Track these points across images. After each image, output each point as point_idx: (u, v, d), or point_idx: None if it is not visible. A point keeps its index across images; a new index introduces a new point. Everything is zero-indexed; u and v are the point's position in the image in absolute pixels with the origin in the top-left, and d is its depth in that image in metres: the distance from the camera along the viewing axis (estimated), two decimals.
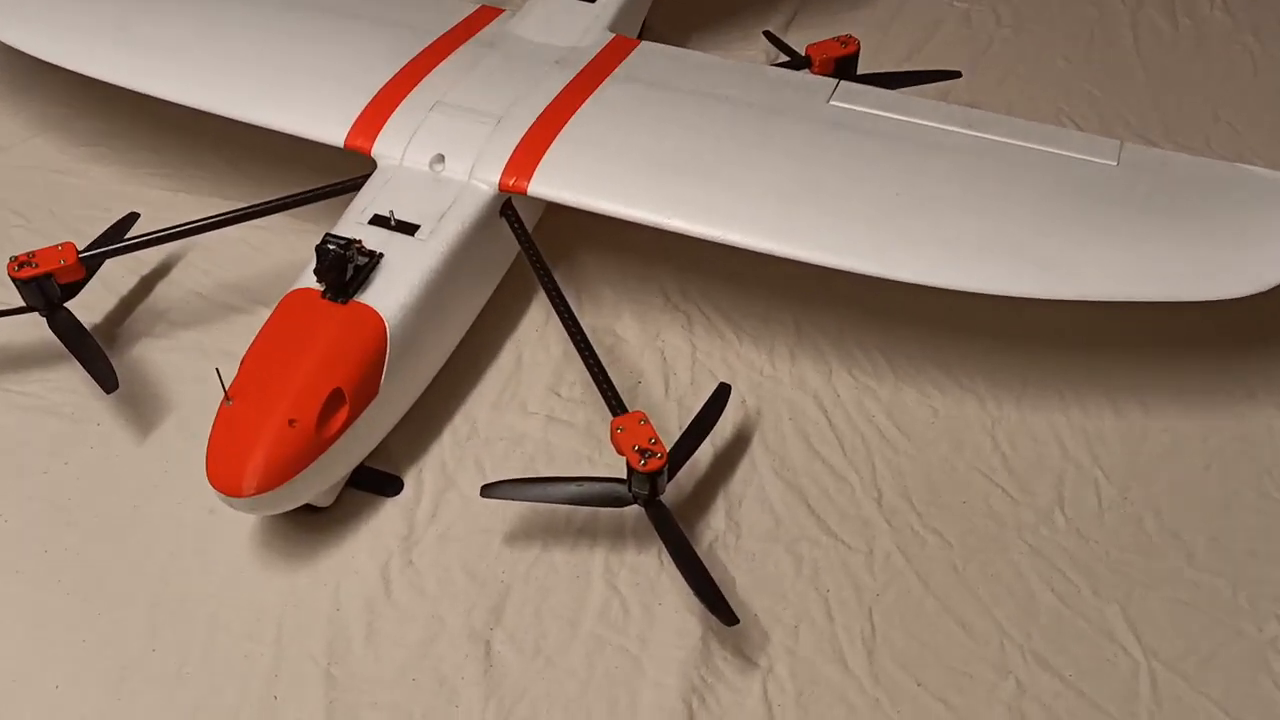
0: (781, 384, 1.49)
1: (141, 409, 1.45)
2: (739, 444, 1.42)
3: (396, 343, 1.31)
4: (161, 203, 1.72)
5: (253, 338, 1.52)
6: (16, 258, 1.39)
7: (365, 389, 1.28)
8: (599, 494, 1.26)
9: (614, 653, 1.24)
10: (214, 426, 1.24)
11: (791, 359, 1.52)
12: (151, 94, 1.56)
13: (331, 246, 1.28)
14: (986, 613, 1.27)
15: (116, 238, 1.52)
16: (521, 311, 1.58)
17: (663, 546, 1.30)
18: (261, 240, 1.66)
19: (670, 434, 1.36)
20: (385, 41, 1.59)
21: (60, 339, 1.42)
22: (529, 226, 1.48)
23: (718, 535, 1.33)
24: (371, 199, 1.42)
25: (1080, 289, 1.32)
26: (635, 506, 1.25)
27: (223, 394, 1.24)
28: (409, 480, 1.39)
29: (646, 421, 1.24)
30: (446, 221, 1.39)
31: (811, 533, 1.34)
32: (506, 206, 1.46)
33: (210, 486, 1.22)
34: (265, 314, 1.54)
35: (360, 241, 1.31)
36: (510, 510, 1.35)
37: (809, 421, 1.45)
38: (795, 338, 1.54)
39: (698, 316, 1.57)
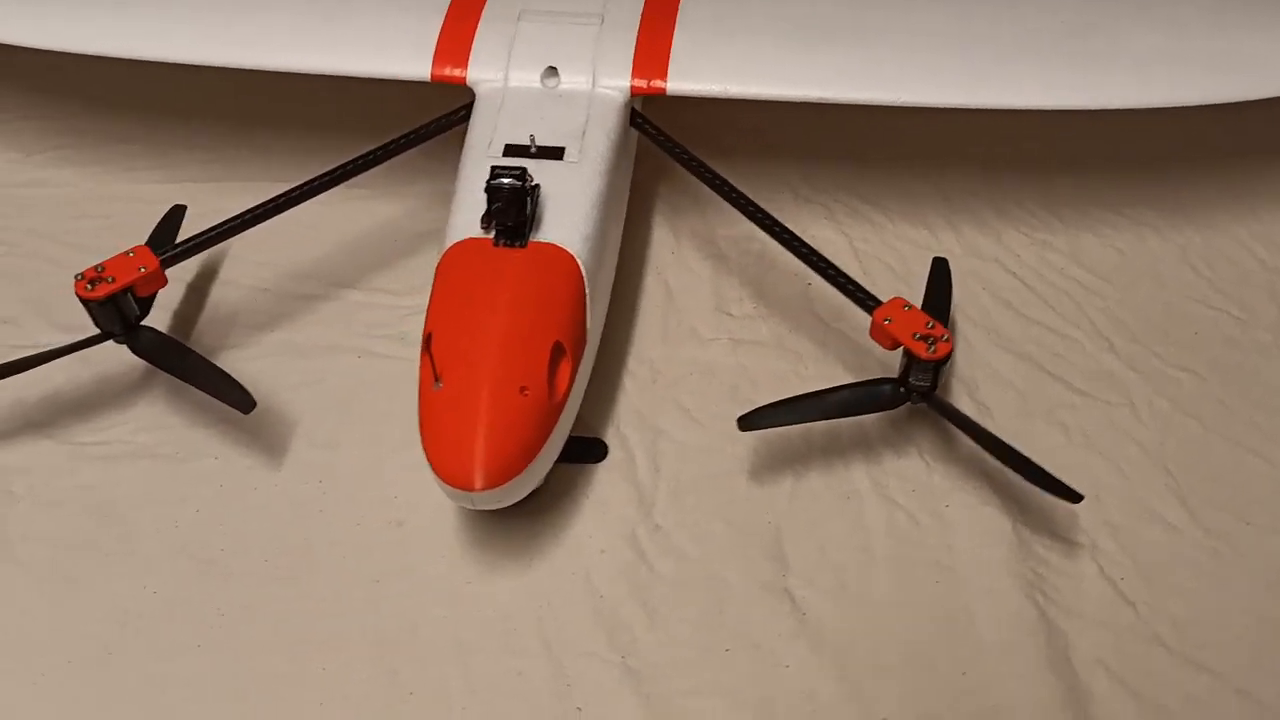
0: (955, 256, 1.36)
1: (258, 430, 1.20)
2: None
3: (590, 281, 1.12)
4: (162, 198, 1.43)
5: (349, 325, 1.32)
6: (84, 275, 1.11)
7: (579, 337, 1.09)
8: (868, 398, 1.11)
9: (926, 570, 1.10)
10: (427, 419, 1.02)
11: (953, 229, 1.40)
12: (164, 60, 1.28)
13: (507, 181, 1.08)
14: (1274, 438, 1.19)
15: (165, 235, 1.26)
16: (644, 235, 1.40)
17: (922, 446, 1.19)
18: (312, 217, 1.40)
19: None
20: None
21: (155, 364, 1.16)
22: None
23: None
24: (491, 129, 1.21)
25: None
26: (896, 407, 1.12)
27: (433, 378, 1.02)
28: (610, 440, 1.20)
29: (912, 306, 1.10)
30: (590, 139, 1.20)
31: (1064, 398, 1.23)
32: (634, 113, 1.28)
33: (446, 488, 1.01)
34: (353, 296, 1.35)
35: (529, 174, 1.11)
36: (738, 445, 1.19)
37: (1003, 288, 1.33)
38: (946, 206, 1.42)
39: (835, 206, 1.43)
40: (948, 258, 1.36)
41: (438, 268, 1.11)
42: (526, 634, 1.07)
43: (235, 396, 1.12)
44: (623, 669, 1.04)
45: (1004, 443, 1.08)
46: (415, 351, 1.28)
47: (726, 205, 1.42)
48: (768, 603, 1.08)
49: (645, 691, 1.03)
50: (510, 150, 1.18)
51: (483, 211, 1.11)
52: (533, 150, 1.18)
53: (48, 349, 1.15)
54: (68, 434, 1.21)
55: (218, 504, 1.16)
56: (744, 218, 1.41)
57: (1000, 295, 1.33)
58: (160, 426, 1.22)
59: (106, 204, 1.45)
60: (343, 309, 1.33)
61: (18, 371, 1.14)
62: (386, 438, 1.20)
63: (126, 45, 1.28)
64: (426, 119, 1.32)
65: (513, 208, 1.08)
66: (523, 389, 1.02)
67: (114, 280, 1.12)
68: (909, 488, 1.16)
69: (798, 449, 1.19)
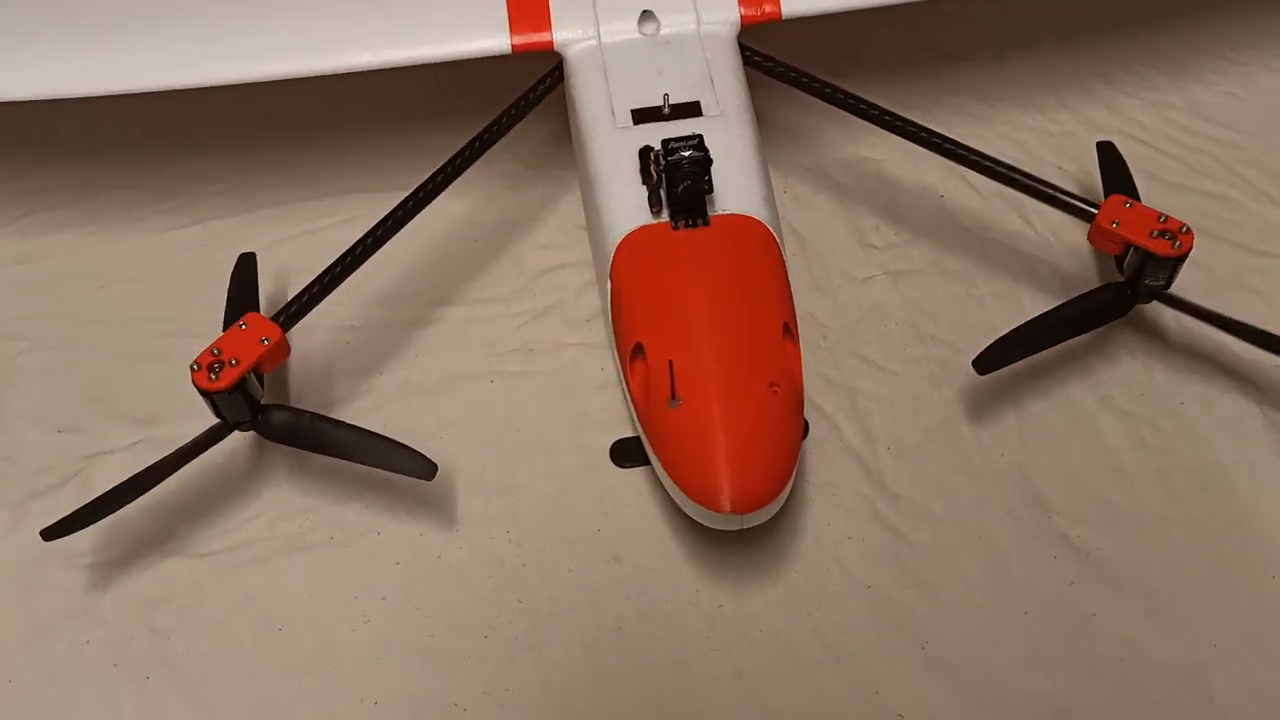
0: (1078, 135, 1.28)
1: (415, 491, 1.04)
2: None
3: (783, 246, 0.99)
4: (187, 245, 1.24)
5: (465, 348, 1.16)
6: (199, 363, 0.93)
7: (793, 313, 0.97)
8: (1098, 309, 1.02)
9: (1189, 476, 1.03)
10: (672, 443, 0.89)
11: (1065, 107, 1.31)
12: (203, 85, 1.07)
13: (688, 154, 0.93)
14: None
15: (250, 292, 1.07)
16: None
17: (1131, 347, 1.12)
18: (359, 230, 1.22)
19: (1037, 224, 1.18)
20: None
21: (295, 445, 0.99)
22: None
23: None
24: (604, 96, 1.05)
25: None
26: (1127, 312, 1.03)
27: (669, 395, 0.88)
28: (805, 413, 1.09)
29: (1133, 202, 1.00)
30: (722, 85, 1.05)
31: (1249, 262, 1.17)
32: (742, 47, 1.14)
33: (709, 515, 0.88)
34: (456, 314, 1.19)
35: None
36: (944, 389, 1.09)
37: (1140, 159, 1.23)
38: (1049, 84, 1.33)
39: (936, 108, 1.31)
40: (1066, 136, 1.29)
41: (613, 269, 0.97)
42: (809, 647, 0.96)
43: (411, 464, 0.96)
44: (927, 660, 0.95)
45: (1255, 327, 1.01)
46: (548, 363, 1.15)
47: (824, 132, 1.31)
48: (1046, 550, 1.00)
49: (961, 679, 0.94)
50: (640, 116, 1.03)
51: (646, 194, 0.98)
52: (666, 111, 1.04)
53: (166, 458, 0.97)
54: (194, 545, 1.03)
55: (405, 585, 1.01)
56: (847, 141, 1.31)
57: (1141, 168, 1.23)
58: (299, 512, 1.05)
59: (126, 264, 1.24)
60: (450, 331, 1.17)
61: (143, 492, 0.96)
62: (562, 465, 1.07)
63: (150, 77, 1.07)
64: (461, 99, 1.17)
65: (699, 178, 0.94)
66: (773, 385, 0.89)
67: (238, 362, 0.94)
68: (1136, 394, 1.09)
69: (1003, 379, 1.09)
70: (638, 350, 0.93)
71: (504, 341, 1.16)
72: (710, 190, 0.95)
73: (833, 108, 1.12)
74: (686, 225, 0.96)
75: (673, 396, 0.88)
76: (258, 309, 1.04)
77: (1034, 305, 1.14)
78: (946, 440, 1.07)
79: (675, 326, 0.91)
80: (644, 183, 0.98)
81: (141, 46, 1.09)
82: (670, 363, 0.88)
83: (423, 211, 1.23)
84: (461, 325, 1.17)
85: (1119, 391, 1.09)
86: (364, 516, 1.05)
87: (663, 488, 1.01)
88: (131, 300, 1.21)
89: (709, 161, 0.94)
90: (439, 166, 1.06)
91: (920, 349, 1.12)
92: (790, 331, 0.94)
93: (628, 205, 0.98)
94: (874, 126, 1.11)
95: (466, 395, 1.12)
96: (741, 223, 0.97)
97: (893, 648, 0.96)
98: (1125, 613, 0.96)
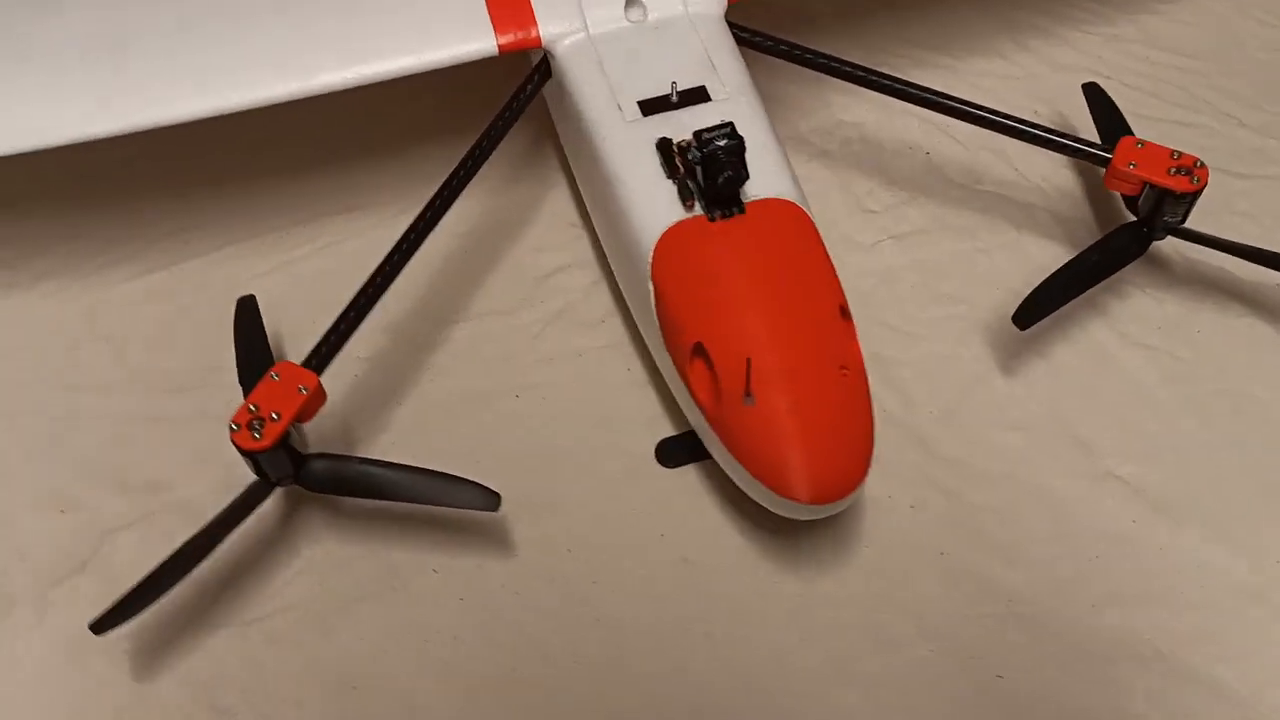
0: (1041, 76, 1.29)
1: (462, 523, 1.00)
2: None
3: (816, 225, 0.98)
4: (154, 294, 1.16)
5: (481, 365, 1.12)
6: (238, 423, 0.87)
7: (843, 292, 0.95)
8: (1120, 251, 1.04)
9: (1219, 400, 1.06)
10: (753, 442, 0.87)
11: (1025, 50, 1.32)
12: (169, 123, 1.00)
13: (722, 142, 0.90)
14: None
15: (258, 335, 1.01)
16: None
17: (1137, 281, 1.14)
18: (350, 256, 1.17)
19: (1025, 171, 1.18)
20: None
21: (343, 494, 0.93)
22: None
23: None
24: (605, 91, 1.01)
25: None
26: (1145, 250, 1.05)
27: (743, 393, 0.86)
28: None
29: (1144, 142, 1.02)
30: (723, 67, 1.03)
31: (1232, 185, 1.20)
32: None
33: (798, 507, 0.87)
34: (462, 331, 1.15)
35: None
36: (971, 346, 1.10)
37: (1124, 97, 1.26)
38: (1006, 27, 1.34)
39: (898, 61, 1.31)
40: (1032, 79, 1.31)
41: (654, 270, 0.93)
42: (897, 621, 0.96)
43: (472, 497, 0.92)
44: (1013, 617, 0.95)
45: (1271, 252, 1.04)
46: (571, 370, 1.11)
47: (795, 99, 1.30)
48: (1101, 492, 1.01)
49: (1049, 631, 0.95)
50: (649, 107, 1.00)
51: (674, 188, 0.95)
52: (674, 99, 1.01)
53: (209, 527, 0.90)
54: (241, 613, 0.97)
55: (475, 621, 0.96)
56: (820, 106, 1.30)
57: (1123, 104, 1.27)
58: (345, 562, 1.00)
59: (93, 322, 1.15)
60: (461, 350, 1.12)
61: (191, 568, 0.89)
62: (607, 473, 1.04)
63: (98, 124, 0.98)
64: (419, 103, 1.14)
65: (737, 165, 0.91)
66: (842, 369, 0.88)
67: (280, 416, 0.88)
68: (1153, 327, 1.11)
69: (1036, 338, 1.10)
70: (698, 350, 0.90)
71: (521, 354, 1.12)
72: (747, 177, 0.93)
73: (807, 72, 1.10)
74: (723, 216, 0.94)
75: (747, 394, 0.87)
76: (270, 355, 0.98)
77: (1039, 252, 1.16)
78: (984, 397, 1.07)
79: (738, 322, 0.89)
80: (669, 176, 0.96)
81: (86, 90, 1.01)
82: (748, 360, 0.86)
83: (399, 227, 1.19)
84: (473, 342, 1.13)
85: (1136, 327, 1.11)
86: (416, 556, 1.00)
87: (719, 483, 1.00)
88: (108, 359, 1.12)
89: (744, 148, 0.92)
90: (443, 181, 1.01)
91: (939, 309, 1.12)
92: (845, 311, 0.93)
93: (658, 202, 0.95)
94: (849, 87, 1.10)
95: (494, 414, 1.08)
96: (776, 206, 0.95)
97: (977, 610, 0.96)
98: (1190, 541, 0.99)
